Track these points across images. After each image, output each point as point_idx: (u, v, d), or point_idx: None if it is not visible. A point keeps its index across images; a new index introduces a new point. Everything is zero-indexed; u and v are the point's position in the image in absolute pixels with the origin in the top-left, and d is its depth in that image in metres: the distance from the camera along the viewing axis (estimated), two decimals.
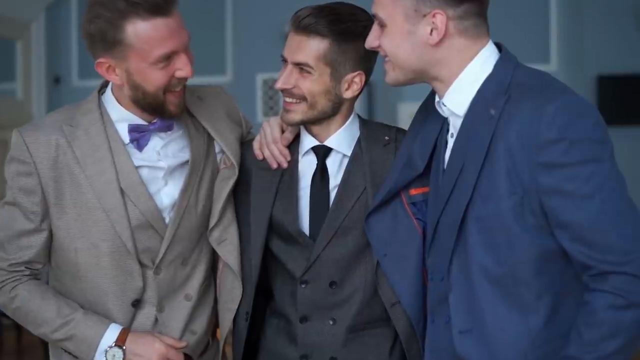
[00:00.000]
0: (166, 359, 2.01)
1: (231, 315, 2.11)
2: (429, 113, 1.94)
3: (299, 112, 2.06)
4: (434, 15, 1.73)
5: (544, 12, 6.30)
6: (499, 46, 1.82)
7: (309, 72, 2.02)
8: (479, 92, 1.76)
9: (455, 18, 1.74)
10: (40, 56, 6.92)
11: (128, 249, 1.99)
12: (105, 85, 2.08)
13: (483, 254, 1.71)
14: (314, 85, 2.03)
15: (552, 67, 6.32)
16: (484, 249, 1.71)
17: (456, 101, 1.79)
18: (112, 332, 1.99)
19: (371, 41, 1.83)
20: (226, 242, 2.10)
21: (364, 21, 2.00)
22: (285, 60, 2.06)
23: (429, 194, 1.92)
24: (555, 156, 1.62)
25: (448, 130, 1.85)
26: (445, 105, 1.81)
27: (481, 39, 1.78)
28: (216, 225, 2.09)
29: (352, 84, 2.06)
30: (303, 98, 2.04)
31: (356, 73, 2.05)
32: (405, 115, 5.91)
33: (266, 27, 6.31)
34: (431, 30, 1.74)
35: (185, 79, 1.98)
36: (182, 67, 1.94)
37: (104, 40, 1.91)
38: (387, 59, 1.82)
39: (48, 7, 6.97)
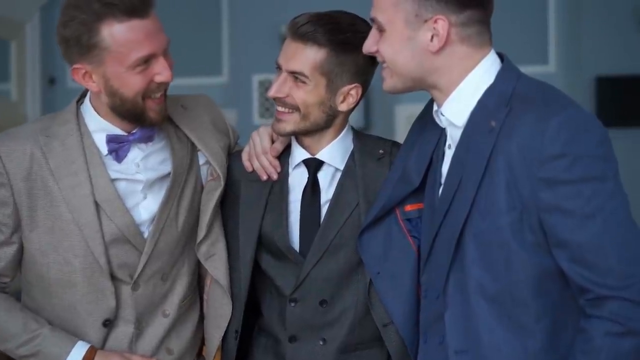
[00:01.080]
0: None
1: (220, 333, 2.05)
2: (426, 125, 1.87)
3: (290, 123, 1.99)
4: (435, 21, 1.67)
5: (542, 13, 6.25)
6: (500, 56, 1.76)
7: (303, 82, 1.96)
8: (480, 102, 1.70)
9: (457, 25, 1.68)
10: (35, 57, 6.86)
11: (101, 265, 1.91)
12: (84, 94, 2.01)
13: (481, 271, 1.65)
14: (308, 95, 1.97)
15: (550, 68, 6.28)
16: (481, 265, 1.65)
17: (455, 111, 1.73)
18: (79, 351, 1.92)
19: (369, 46, 1.77)
20: (214, 257, 2.04)
21: (363, 32, 1.91)
22: (279, 68, 1.99)
23: (424, 208, 1.85)
24: (558, 172, 1.56)
25: (445, 142, 1.79)
26: (443, 115, 1.75)
27: (483, 48, 1.72)
28: (204, 239, 2.02)
29: (348, 97, 1.99)
30: (296, 108, 1.98)
31: (353, 85, 1.99)
32: (402, 117, 5.87)
33: (262, 27, 6.26)
34: (432, 37, 1.68)
35: (165, 84, 1.91)
36: (161, 72, 1.88)
37: (80, 44, 1.84)
38: (385, 65, 1.76)
39: (43, 7, 6.91)
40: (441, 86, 1.73)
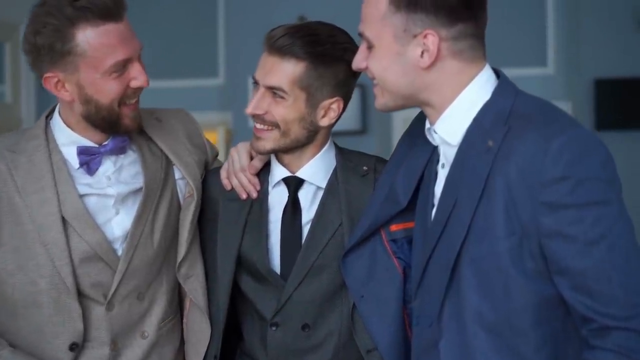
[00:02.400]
0: None
1: (199, 359, 1.97)
2: (415, 141, 1.79)
3: (270, 140, 1.91)
4: (425, 36, 1.58)
5: (541, 15, 6.22)
6: (496, 72, 1.68)
7: (282, 97, 1.87)
8: (476, 120, 1.61)
9: (448, 39, 1.59)
10: None
11: (67, 286, 1.83)
12: (53, 110, 1.94)
13: (478, 299, 1.56)
14: (287, 111, 1.88)
15: (549, 70, 6.25)
16: (479, 293, 1.56)
17: (449, 129, 1.64)
18: None
19: (358, 62, 1.69)
20: (192, 279, 1.97)
21: (343, 43, 1.87)
22: (256, 83, 1.91)
23: (415, 230, 1.77)
24: (560, 195, 1.48)
25: (438, 161, 1.71)
26: (436, 133, 1.67)
27: (477, 63, 1.63)
28: (184, 259, 1.95)
29: (329, 111, 1.92)
30: (275, 125, 1.89)
31: (334, 99, 1.91)
32: (399, 120, 5.83)
33: (259, 29, 6.20)
34: (422, 52, 1.60)
35: (141, 89, 1.85)
36: (137, 76, 1.82)
37: (53, 51, 1.77)
38: (375, 82, 1.68)
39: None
40: (434, 103, 1.65)
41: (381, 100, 1.69)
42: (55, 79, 1.81)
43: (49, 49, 1.77)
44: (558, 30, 6.22)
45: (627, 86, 6.04)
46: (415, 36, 1.59)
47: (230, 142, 6.12)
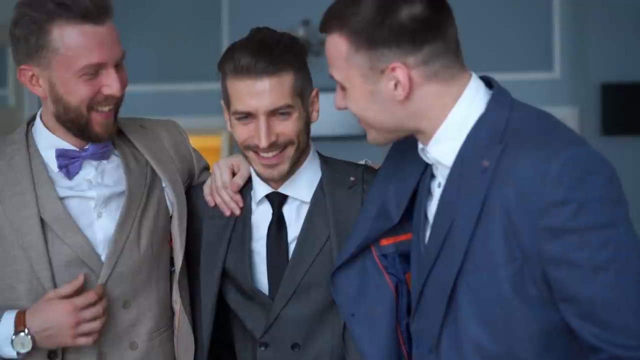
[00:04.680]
0: (80, 313, 1.76)
1: None
2: (405, 153, 1.71)
3: (286, 160, 1.84)
4: (392, 69, 1.49)
5: (547, 19, 6.19)
6: (487, 81, 1.58)
7: (289, 113, 1.81)
8: (469, 137, 1.52)
9: (418, 65, 1.50)
10: None
11: (47, 290, 1.78)
12: (35, 117, 1.92)
13: (477, 329, 1.48)
14: (297, 123, 1.82)
15: (555, 74, 6.21)
16: (478, 323, 1.48)
17: (442, 150, 1.55)
18: (8, 320, 1.76)
19: (338, 103, 1.60)
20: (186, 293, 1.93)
21: (289, 35, 1.84)
22: (247, 116, 1.80)
23: (412, 247, 1.68)
24: (562, 220, 1.38)
25: (433, 176, 1.63)
26: (430, 153, 1.59)
27: (458, 79, 1.53)
28: (182, 267, 1.91)
29: (314, 104, 1.89)
30: (290, 142, 1.83)
31: (314, 92, 1.89)
32: None
33: None
34: (395, 85, 1.51)
35: (113, 97, 1.81)
36: (110, 84, 1.79)
37: (28, 43, 1.76)
38: (359, 120, 1.61)
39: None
40: (423, 129, 1.56)
41: (371, 136, 1.62)
42: (30, 73, 1.79)
43: (25, 40, 1.76)
44: (564, 35, 6.19)
45: (634, 91, 6.00)
46: (382, 71, 1.51)
47: (234, 146, 6.09)
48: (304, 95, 1.84)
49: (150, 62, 6.31)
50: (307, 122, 1.87)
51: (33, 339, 1.75)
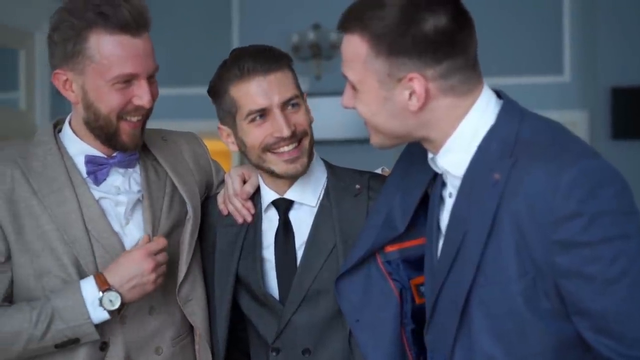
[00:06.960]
0: (156, 257, 1.82)
1: None
2: (415, 160, 1.70)
3: (305, 153, 1.89)
4: (410, 79, 1.48)
5: (558, 23, 6.19)
6: (497, 92, 1.57)
7: (298, 104, 1.89)
8: (480, 149, 1.51)
9: (436, 78, 1.48)
10: (44, 66, 6.82)
11: None
12: (59, 122, 1.96)
13: (490, 342, 1.47)
14: (307, 116, 1.91)
15: (565, 78, 6.21)
16: (491, 337, 1.47)
17: (452, 161, 1.55)
18: (89, 284, 1.79)
19: (346, 102, 1.59)
20: (192, 302, 1.95)
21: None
22: (263, 114, 1.85)
23: (425, 257, 1.67)
24: (574, 233, 1.37)
25: (442, 186, 1.62)
26: (439, 163, 1.58)
27: (472, 92, 1.52)
28: (184, 281, 1.93)
29: (306, 101, 1.96)
30: (305, 133, 1.89)
31: (304, 95, 1.96)
32: None
33: (273, 37, 6.22)
34: (410, 95, 1.49)
35: (143, 108, 1.85)
36: (140, 95, 1.83)
37: (65, 48, 1.80)
38: (366, 122, 1.60)
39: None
40: (432, 139, 1.55)
41: (375, 139, 1.61)
42: (64, 77, 1.84)
43: (62, 45, 1.81)
44: (574, 38, 6.19)
45: None
46: (400, 80, 1.49)
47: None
48: (300, 89, 1.91)
49: (161, 65, 6.32)
50: (310, 116, 1.92)
51: (120, 294, 1.79)
